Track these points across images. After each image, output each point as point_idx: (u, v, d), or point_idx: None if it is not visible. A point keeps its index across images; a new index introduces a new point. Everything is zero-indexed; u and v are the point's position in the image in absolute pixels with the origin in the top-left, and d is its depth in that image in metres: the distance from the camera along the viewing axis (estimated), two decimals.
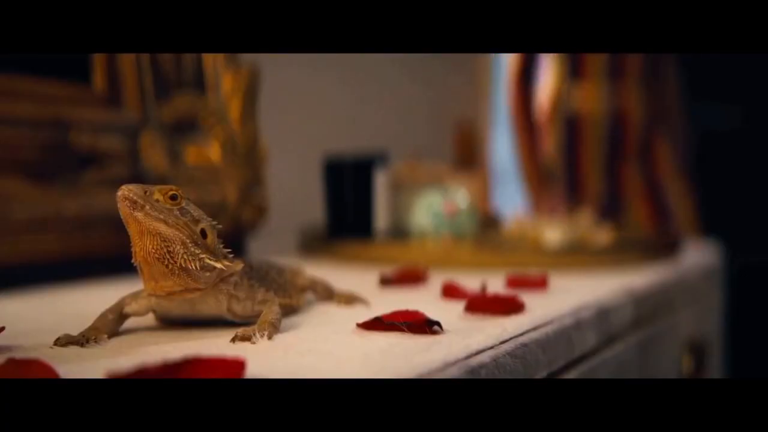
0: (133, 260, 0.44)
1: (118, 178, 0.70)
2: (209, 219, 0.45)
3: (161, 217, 0.42)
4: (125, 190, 0.42)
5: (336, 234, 0.93)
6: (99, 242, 0.69)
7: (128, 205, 0.42)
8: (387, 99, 1.41)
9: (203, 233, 0.44)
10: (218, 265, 0.44)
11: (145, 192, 0.42)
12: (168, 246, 0.42)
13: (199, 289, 0.45)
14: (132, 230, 0.43)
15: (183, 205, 0.44)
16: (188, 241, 0.43)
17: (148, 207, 0.42)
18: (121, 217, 0.42)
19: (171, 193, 0.43)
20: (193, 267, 0.43)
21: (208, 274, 0.44)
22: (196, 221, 0.44)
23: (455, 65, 1.63)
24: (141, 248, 0.43)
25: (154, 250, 0.42)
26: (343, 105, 1.27)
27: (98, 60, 0.73)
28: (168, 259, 0.43)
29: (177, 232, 0.43)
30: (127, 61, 0.75)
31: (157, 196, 0.43)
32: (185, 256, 0.43)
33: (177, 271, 0.43)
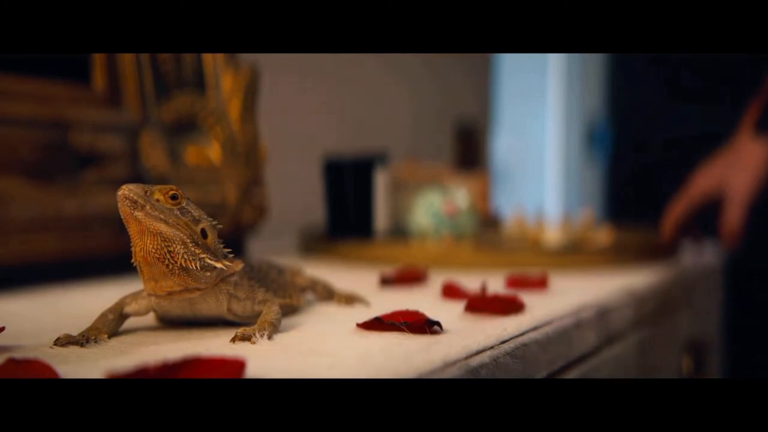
0: (133, 260, 0.44)
1: (118, 178, 0.70)
2: (209, 219, 0.45)
3: (162, 216, 0.42)
4: (126, 190, 0.42)
5: (336, 234, 0.93)
6: (99, 242, 0.69)
7: (129, 204, 0.42)
8: (387, 99, 1.41)
9: (203, 233, 0.44)
10: (218, 265, 0.44)
11: (146, 192, 0.42)
12: (168, 246, 0.42)
13: (199, 289, 0.45)
14: (132, 230, 0.43)
15: (183, 204, 0.44)
16: (189, 240, 0.43)
17: (148, 207, 0.42)
18: (122, 217, 0.42)
19: (171, 192, 0.43)
20: (194, 267, 0.43)
21: (208, 274, 0.44)
22: (197, 221, 0.44)
23: (456, 65, 1.63)
24: (141, 248, 0.43)
25: (154, 250, 0.42)
26: (343, 105, 1.27)
27: (98, 60, 0.73)
28: (168, 259, 0.43)
29: (177, 232, 0.43)
30: (127, 61, 0.75)
31: (157, 195, 0.43)
32: (185, 256, 0.43)
33: (177, 271, 0.43)
